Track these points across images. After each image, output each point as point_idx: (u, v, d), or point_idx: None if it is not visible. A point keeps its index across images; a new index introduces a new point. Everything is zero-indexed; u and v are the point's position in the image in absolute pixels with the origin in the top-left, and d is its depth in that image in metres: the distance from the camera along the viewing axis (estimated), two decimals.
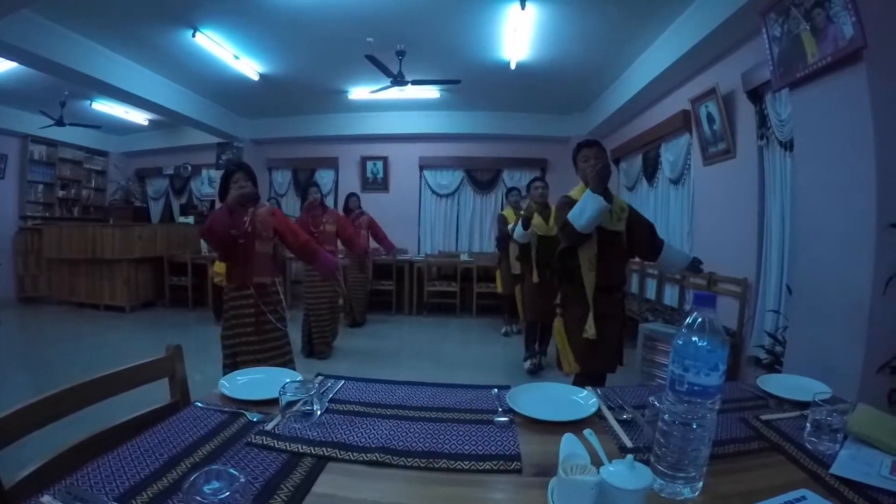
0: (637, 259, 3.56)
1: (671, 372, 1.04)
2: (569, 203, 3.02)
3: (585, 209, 2.83)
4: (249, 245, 3.32)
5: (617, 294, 3.15)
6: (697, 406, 1.00)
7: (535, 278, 5.13)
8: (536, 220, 5.10)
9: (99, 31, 5.41)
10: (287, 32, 5.47)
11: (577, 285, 3.04)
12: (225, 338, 3.44)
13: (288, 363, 3.42)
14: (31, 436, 1.18)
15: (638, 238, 3.13)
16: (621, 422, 1.39)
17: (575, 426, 1.27)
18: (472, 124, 8.90)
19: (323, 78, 7.12)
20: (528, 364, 5.34)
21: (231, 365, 3.32)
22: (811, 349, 2.90)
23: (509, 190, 6.76)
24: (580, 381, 2.93)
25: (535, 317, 5.26)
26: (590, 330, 2.98)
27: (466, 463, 1.16)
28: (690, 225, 5.60)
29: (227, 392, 1.51)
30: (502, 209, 7.28)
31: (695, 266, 3.31)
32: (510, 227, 5.58)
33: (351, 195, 7.34)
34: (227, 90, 7.52)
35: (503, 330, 7.01)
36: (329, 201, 9.26)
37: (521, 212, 5.66)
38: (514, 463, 1.16)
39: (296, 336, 5.55)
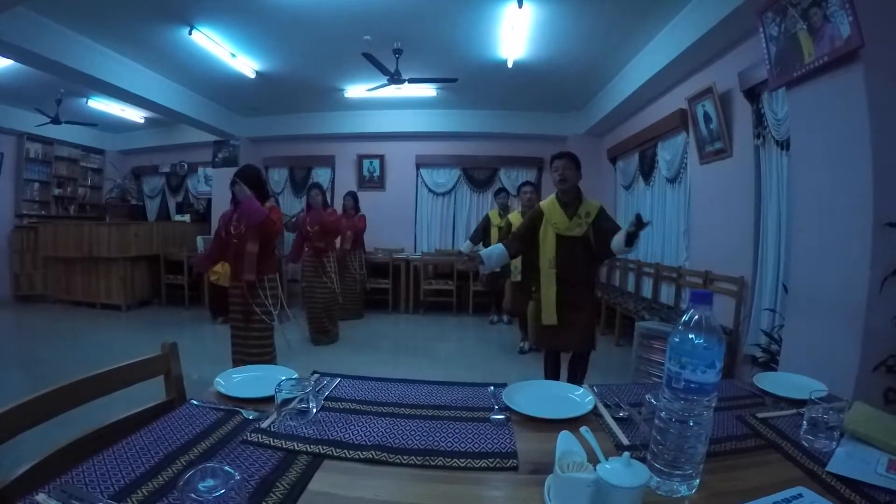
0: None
1: (668, 369, 1.04)
2: (533, 216, 3.65)
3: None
4: (241, 244, 3.71)
5: (580, 287, 3.54)
6: (694, 403, 1.01)
7: (518, 277, 5.43)
8: (519, 223, 5.40)
9: (95, 28, 5.38)
10: (284, 30, 5.46)
11: (540, 280, 3.59)
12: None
13: (265, 356, 3.78)
14: (26, 434, 1.18)
15: (599, 243, 3.42)
16: (618, 419, 1.39)
17: (571, 424, 1.27)
18: (468, 123, 8.88)
19: (320, 76, 7.10)
20: (522, 345, 5.98)
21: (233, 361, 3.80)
22: (807, 348, 2.91)
23: (498, 191, 7.20)
24: (546, 357, 3.84)
25: (521, 310, 5.71)
26: (549, 318, 3.53)
27: (463, 460, 1.16)
28: (687, 224, 5.61)
29: (222, 390, 1.51)
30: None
31: (634, 229, 2.98)
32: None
33: (346, 195, 7.57)
34: (224, 88, 7.49)
35: (491, 318, 7.61)
36: None
37: (506, 214, 6.38)
38: (511, 460, 1.16)
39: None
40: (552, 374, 3.78)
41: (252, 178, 3.78)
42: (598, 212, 3.47)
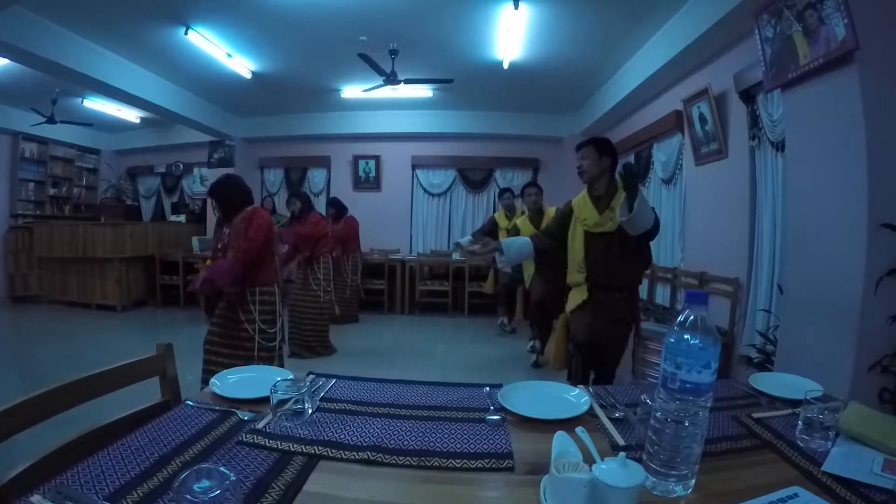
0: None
1: (663, 369, 1.04)
2: (563, 212, 3.18)
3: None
4: (223, 257, 3.37)
5: (618, 293, 3.00)
6: (689, 404, 1.01)
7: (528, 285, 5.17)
8: (527, 227, 5.24)
9: (91, 27, 5.38)
10: (280, 30, 5.45)
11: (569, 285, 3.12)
12: (204, 342, 3.51)
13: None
14: (20, 435, 1.17)
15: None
16: (613, 420, 1.39)
17: (567, 424, 1.27)
18: (464, 124, 8.90)
19: (316, 76, 7.10)
20: (529, 345, 5.44)
21: (204, 370, 3.41)
22: (802, 348, 2.91)
23: (502, 192, 6.84)
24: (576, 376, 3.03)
25: (540, 297, 5.11)
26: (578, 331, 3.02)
27: (459, 461, 1.16)
28: (682, 225, 5.62)
29: (217, 390, 1.50)
30: (495, 211, 7.33)
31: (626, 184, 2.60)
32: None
33: (327, 203, 7.34)
34: (220, 88, 7.48)
35: (500, 321, 6.93)
36: (321, 200, 9.24)
37: (511, 217, 6.17)
38: (507, 461, 1.16)
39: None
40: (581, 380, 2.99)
41: (224, 194, 3.46)
42: None
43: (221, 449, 1.18)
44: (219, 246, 3.45)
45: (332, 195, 8.62)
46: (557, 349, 3.22)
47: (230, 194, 3.48)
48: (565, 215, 3.15)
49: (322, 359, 5.53)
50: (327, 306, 5.85)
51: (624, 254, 2.91)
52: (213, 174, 9.34)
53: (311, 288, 5.65)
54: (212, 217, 8.74)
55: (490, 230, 6.36)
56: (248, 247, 3.30)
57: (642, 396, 1.28)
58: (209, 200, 3.48)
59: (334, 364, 5.31)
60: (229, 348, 3.37)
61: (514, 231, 5.38)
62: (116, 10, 4.93)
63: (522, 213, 6.03)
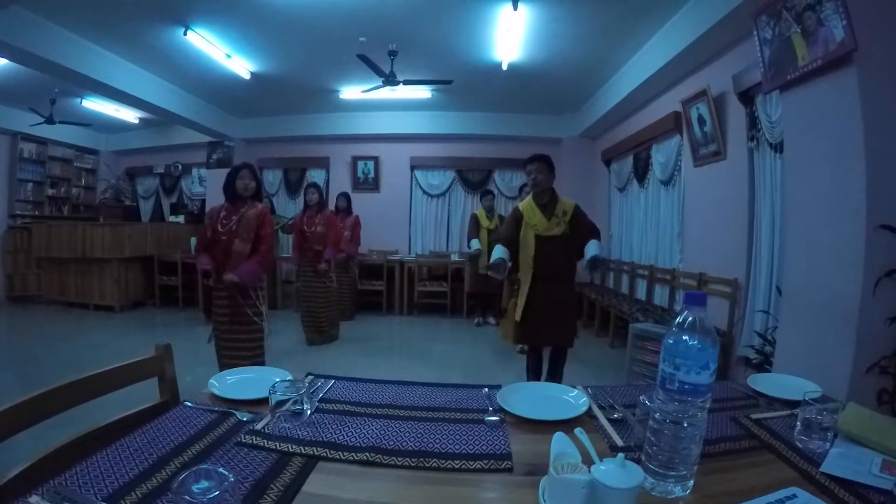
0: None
1: (662, 370, 1.04)
2: (514, 218, 3.75)
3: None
4: (229, 242, 3.63)
5: (560, 283, 3.68)
6: (688, 404, 1.01)
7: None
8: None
9: (90, 27, 5.37)
10: (279, 31, 5.45)
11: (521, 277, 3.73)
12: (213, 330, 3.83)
13: (257, 357, 3.72)
14: (19, 435, 1.17)
15: (576, 241, 3.61)
16: (612, 421, 1.39)
17: (566, 425, 1.27)
18: (463, 125, 8.89)
19: (315, 77, 7.10)
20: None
21: (219, 356, 3.79)
22: (801, 349, 2.91)
23: (485, 193, 7.54)
24: (529, 355, 3.96)
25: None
26: (519, 314, 3.69)
27: (457, 462, 1.16)
28: (681, 226, 5.63)
29: (216, 391, 1.50)
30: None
31: (592, 265, 3.48)
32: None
33: (339, 196, 7.67)
34: (219, 89, 7.48)
35: (476, 320, 7.65)
36: None
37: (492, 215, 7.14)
38: (505, 462, 1.16)
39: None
40: (534, 371, 3.87)
41: (258, 178, 3.82)
42: (573, 210, 3.66)
43: (220, 450, 1.18)
44: (220, 228, 3.68)
45: (332, 195, 8.67)
46: (507, 328, 4.01)
47: (259, 180, 3.90)
48: (517, 220, 3.72)
49: (319, 360, 5.52)
50: (333, 295, 6.20)
51: (567, 254, 3.65)
52: (212, 175, 9.37)
53: (321, 279, 5.98)
54: None
55: (477, 230, 7.03)
56: (269, 248, 3.82)
57: (641, 397, 1.28)
58: (241, 177, 3.76)
59: (333, 365, 5.30)
60: (239, 333, 3.70)
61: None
62: (116, 10, 4.92)
63: (500, 215, 7.06)
